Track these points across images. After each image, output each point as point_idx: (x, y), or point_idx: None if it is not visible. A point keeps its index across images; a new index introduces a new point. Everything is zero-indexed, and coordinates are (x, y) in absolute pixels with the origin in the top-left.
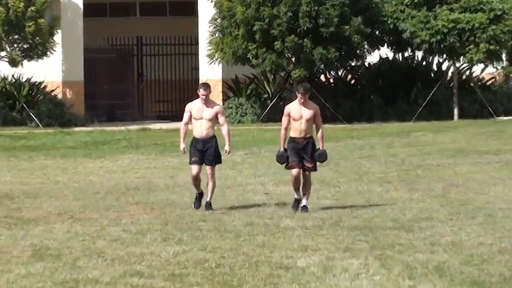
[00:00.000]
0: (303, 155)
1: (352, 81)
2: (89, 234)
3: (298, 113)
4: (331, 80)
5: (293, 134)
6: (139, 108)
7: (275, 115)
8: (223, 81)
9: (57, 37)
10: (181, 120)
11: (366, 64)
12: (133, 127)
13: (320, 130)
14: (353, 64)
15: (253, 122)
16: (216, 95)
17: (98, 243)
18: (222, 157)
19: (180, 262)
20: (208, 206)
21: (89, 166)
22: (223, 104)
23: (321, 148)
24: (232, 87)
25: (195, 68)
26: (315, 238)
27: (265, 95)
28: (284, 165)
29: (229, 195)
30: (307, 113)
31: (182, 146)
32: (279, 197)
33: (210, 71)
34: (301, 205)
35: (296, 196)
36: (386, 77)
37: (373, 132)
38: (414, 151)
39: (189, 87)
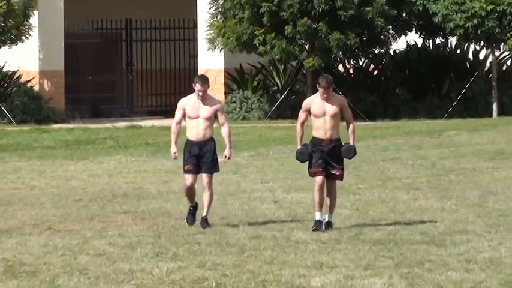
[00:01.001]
0: (329, 160)
1: (375, 72)
2: (69, 248)
3: (320, 108)
4: (351, 71)
5: (316, 134)
6: (128, 102)
7: (285, 111)
8: (225, 71)
9: (34, 19)
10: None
11: (391, 52)
12: (122, 124)
13: (351, 125)
14: (376, 52)
15: (260, 118)
16: (218, 88)
17: (79, 259)
18: (220, 163)
19: (175, 281)
20: (204, 222)
21: (70, 169)
22: (225, 98)
23: (351, 142)
24: (236, 79)
25: (193, 56)
26: (332, 253)
27: (274, 88)
28: (306, 164)
29: (232, 204)
30: (331, 108)
31: (174, 149)
32: (290, 206)
33: (211, 60)
34: (326, 220)
35: (318, 217)
36: (415, 67)
37: (399, 131)
38: (446, 153)
39: (186, 78)
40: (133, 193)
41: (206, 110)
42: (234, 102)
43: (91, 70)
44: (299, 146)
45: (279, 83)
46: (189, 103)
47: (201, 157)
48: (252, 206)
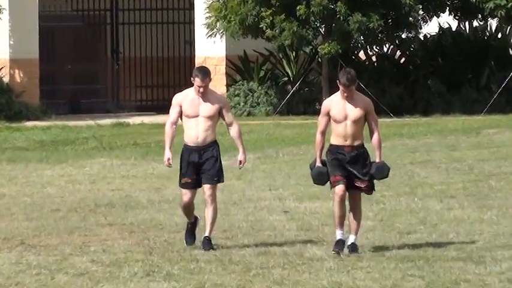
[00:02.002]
0: (352, 170)
1: (402, 60)
2: (45, 267)
3: (341, 111)
4: (374, 59)
5: (335, 140)
6: (113, 95)
7: (297, 105)
8: (227, 59)
9: (3, 0)
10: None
11: (421, 37)
12: (106, 121)
13: (376, 134)
14: (403, 36)
15: (268, 114)
16: (218, 79)
17: (57, 279)
18: (225, 170)
19: None
20: (207, 243)
21: (46, 174)
22: (227, 91)
23: (377, 160)
24: (239, 68)
25: (190, 42)
26: (352, 272)
27: (284, 79)
28: (327, 183)
29: (236, 214)
30: (354, 111)
31: (167, 154)
32: (303, 217)
33: (210, 46)
34: (349, 242)
35: (339, 235)
36: (448, 54)
37: (431, 128)
38: (486, 154)
39: (182, 68)
40: (119, 202)
41: (208, 107)
42: (238, 95)
43: (70, 58)
44: (318, 163)
45: (289, 73)
46: (186, 99)
47: (202, 165)
48: (259, 217)
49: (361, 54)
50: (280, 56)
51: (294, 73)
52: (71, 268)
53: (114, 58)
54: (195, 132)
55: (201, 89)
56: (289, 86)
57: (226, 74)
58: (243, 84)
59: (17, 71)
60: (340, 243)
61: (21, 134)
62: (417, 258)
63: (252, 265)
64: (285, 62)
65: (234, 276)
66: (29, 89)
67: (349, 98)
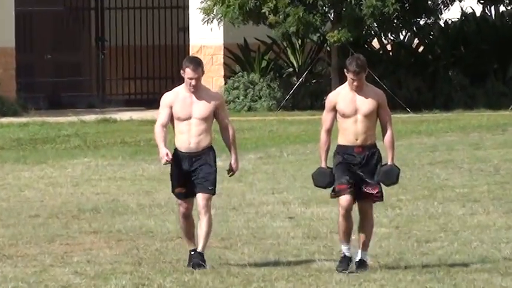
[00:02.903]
0: (361, 174)
1: (421, 49)
2: (23, 279)
3: (350, 104)
4: (389, 47)
5: (343, 140)
6: (98, 89)
7: (303, 99)
8: (225, 48)
9: None
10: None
11: (441, 23)
12: (90, 117)
13: (389, 131)
14: (421, 23)
15: (271, 109)
16: (215, 70)
17: None
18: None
19: None
20: (199, 258)
21: (24, 176)
22: (225, 83)
23: (389, 162)
24: (239, 58)
25: (184, 29)
26: (364, 285)
27: (289, 70)
28: (330, 189)
29: (235, 221)
30: (366, 104)
31: (164, 150)
32: (310, 223)
33: (206, 33)
34: (357, 259)
35: (345, 251)
36: (472, 42)
37: (452, 125)
38: None
39: (174, 58)
40: (105, 207)
41: (201, 107)
42: (237, 88)
43: (50, 47)
44: (323, 164)
45: (295, 64)
46: (177, 99)
47: (194, 172)
48: (261, 223)
49: (375, 43)
50: (285, 44)
51: (300, 63)
52: (51, 281)
53: (99, 47)
54: (187, 136)
55: (193, 82)
56: (295, 78)
57: (225, 64)
58: (243, 76)
59: None
60: (345, 261)
61: None
62: (437, 269)
63: (253, 277)
64: (289, 51)
65: None
66: (4, 81)
67: (359, 89)
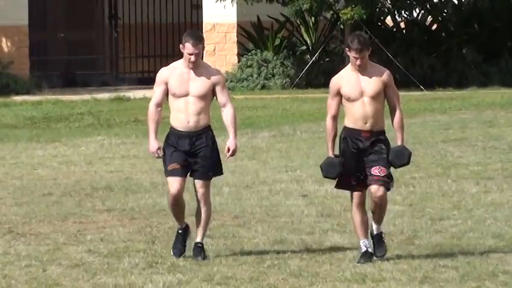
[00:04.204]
0: (368, 157)
1: (434, 27)
2: (36, 257)
3: (355, 86)
4: (402, 25)
5: (351, 123)
6: (112, 67)
7: (317, 77)
8: (238, 26)
9: None
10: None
11: (455, 0)
12: (104, 95)
13: (398, 112)
14: (435, 0)
15: (285, 87)
16: (228, 48)
17: (50, 271)
18: (224, 162)
19: None
20: (199, 250)
21: (37, 154)
22: (238, 61)
23: (398, 143)
24: (252, 36)
25: (197, 6)
26: (378, 263)
27: (303, 48)
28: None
29: (248, 199)
30: (372, 84)
31: (154, 144)
32: (323, 201)
33: (219, 11)
34: (374, 232)
35: (363, 247)
36: (486, 19)
37: (466, 102)
38: None
39: None
40: (119, 185)
41: (200, 84)
42: (250, 66)
43: (64, 25)
44: (330, 153)
45: (308, 41)
46: (173, 75)
47: (193, 155)
48: (274, 201)
49: (388, 20)
50: (298, 22)
51: (313, 41)
52: (64, 259)
53: (113, 25)
54: (185, 115)
55: (192, 58)
56: (308, 56)
57: (238, 42)
58: (256, 54)
59: (3, 40)
60: (365, 256)
61: (9, 110)
62: (450, 247)
63: (267, 255)
64: (303, 29)
65: (246, 268)
66: (18, 59)
67: (363, 68)
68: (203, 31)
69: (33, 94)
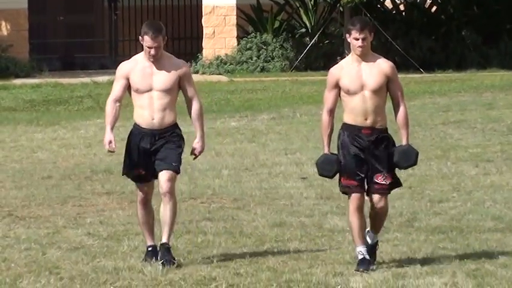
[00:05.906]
0: (372, 161)
1: (433, 9)
2: (36, 241)
3: (356, 79)
4: (402, 7)
5: (350, 119)
6: (111, 50)
7: (316, 60)
8: (238, 8)
9: None
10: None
11: None
12: (103, 78)
13: (402, 107)
14: None
15: (284, 70)
16: (228, 30)
17: (49, 254)
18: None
19: (174, 282)
20: (166, 253)
21: (36, 137)
22: (237, 44)
23: (403, 142)
24: (251, 18)
25: None
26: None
27: (302, 30)
28: (336, 177)
29: (248, 181)
30: (373, 77)
31: (108, 136)
32: (323, 184)
33: None
34: (369, 242)
35: (361, 253)
36: (485, 2)
37: (465, 85)
38: None
39: (187, 18)
40: (118, 168)
41: (163, 78)
42: (250, 49)
43: (63, 8)
44: (326, 150)
45: (307, 24)
46: (135, 69)
47: (154, 153)
48: (274, 184)
49: (388, 3)
50: (297, 4)
51: (313, 24)
52: (64, 242)
53: (112, 8)
54: (149, 111)
55: (152, 51)
56: (307, 39)
57: (237, 25)
58: (255, 37)
59: (3, 23)
60: (363, 263)
61: (8, 93)
62: (450, 229)
63: (266, 238)
64: (302, 12)
65: (246, 250)
66: (17, 42)
67: (363, 55)
68: (203, 14)
69: (33, 77)
